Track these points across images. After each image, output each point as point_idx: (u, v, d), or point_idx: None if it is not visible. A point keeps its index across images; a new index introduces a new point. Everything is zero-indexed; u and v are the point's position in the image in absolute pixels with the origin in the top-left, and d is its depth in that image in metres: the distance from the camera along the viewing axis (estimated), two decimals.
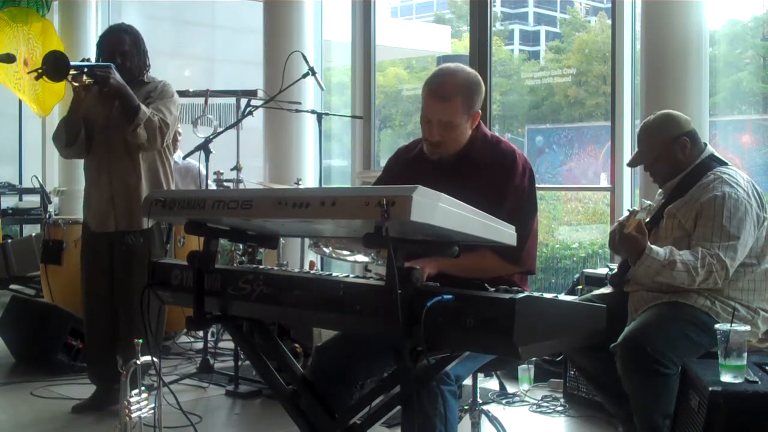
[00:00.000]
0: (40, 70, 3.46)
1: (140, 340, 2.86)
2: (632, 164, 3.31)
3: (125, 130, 3.66)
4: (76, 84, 3.56)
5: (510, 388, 4.23)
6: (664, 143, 3.09)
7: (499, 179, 2.51)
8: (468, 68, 2.59)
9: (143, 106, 3.66)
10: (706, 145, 3.16)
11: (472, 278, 2.25)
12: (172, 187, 4.02)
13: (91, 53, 3.90)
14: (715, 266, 2.81)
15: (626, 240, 2.97)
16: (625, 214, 3.14)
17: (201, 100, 5.00)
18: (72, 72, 3.50)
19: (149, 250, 3.77)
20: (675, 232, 2.98)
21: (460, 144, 2.56)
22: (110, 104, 3.72)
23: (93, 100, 3.74)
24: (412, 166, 2.67)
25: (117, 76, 3.59)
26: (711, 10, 4.31)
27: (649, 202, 3.24)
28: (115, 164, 3.77)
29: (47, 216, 5.74)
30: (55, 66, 3.47)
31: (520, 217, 2.38)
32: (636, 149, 3.27)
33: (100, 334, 3.87)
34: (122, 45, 3.77)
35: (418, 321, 1.76)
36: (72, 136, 3.74)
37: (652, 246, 2.92)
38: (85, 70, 3.55)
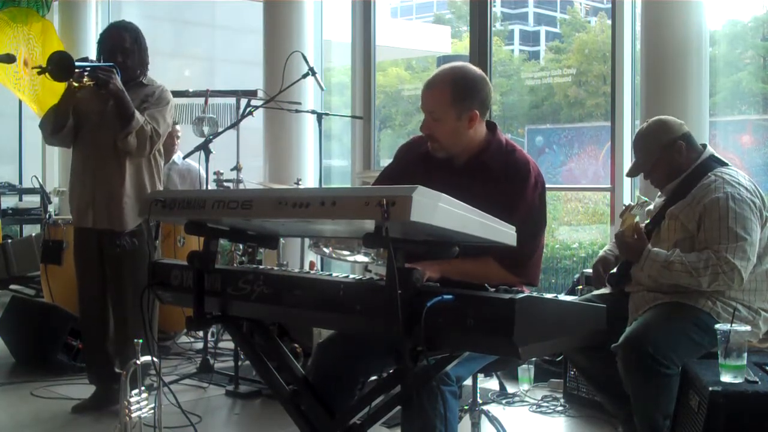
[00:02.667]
0: (43, 67, 3.48)
1: (140, 340, 2.86)
2: (631, 174, 3.30)
3: (116, 135, 3.67)
4: (77, 85, 3.57)
5: (510, 388, 4.23)
6: (660, 149, 3.09)
7: (510, 190, 2.48)
8: (474, 69, 2.55)
9: (138, 114, 3.66)
10: (705, 146, 3.16)
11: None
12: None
13: (91, 53, 3.91)
14: (721, 268, 2.80)
15: (625, 244, 2.99)
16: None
17: (201, 100, 5.00)
18: (75, 71, 3.52)
19: (140, 250, 3.78)
20: (677, 234, 2.98)
21: (454, 143, 2.53)
22: (105, 101, 3.72)
23: (89, 94, 3.74)
24: (423, 163, 2.63)
25: (117, 81, 3.59)
26: (711, 10, 4.31)
27: (645, 198, 3.24)
28: (101, 163, 3.77)
29: (47, 216, 5.74)
30: (59, 66, 3.49)
31: (529, 231, 2.36)
32: (633, 157, 3.27)
33: (95, 334, 3.88)
34: (123, 42, 3.78)
35: (418, 321, 1.76)
36: (58, 125, 3.75)
37: (652, 248, 2.92)
38: (88, 70, 3.57)
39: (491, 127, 2.60)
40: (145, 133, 3.68)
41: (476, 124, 2.52)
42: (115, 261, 3.79)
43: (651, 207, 3.24)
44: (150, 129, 3.69)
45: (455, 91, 2.48)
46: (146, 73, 3.91)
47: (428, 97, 2.52)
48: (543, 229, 2.55)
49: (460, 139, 2.53)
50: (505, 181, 2.50)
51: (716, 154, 3.14)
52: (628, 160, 4.72)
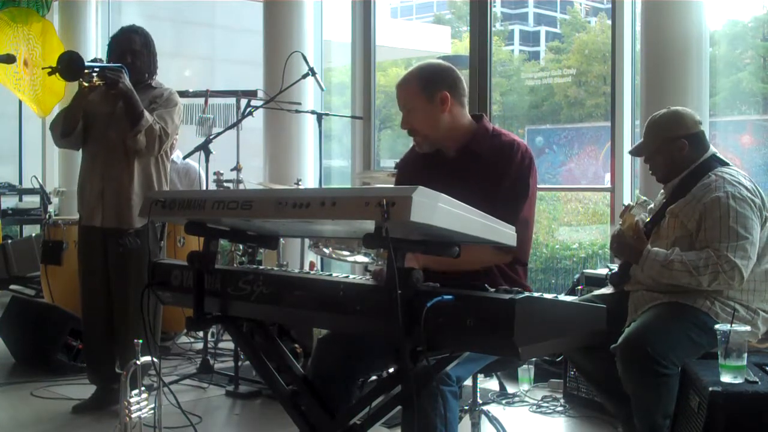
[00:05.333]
0: (54, 67, 3.52)
1: (140, 341, 2.86)
2: (633, 153, 3.31)
3: (126, 134, 3.72)
4: (86, 84, 3.62)
5: (510, 389, 4.23)
6: (663, 141, 3.09)
7: (497, 167, 2.52)
8: (439, 61, 2.67)
9: (147, 113, 3.71)
10: (709, 145, 3.16)
11: (461, 270, 2.23)
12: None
13: (91, 53, 3.96)
14: (722, 267, 2.79)
15: (625, 245, 2.98)
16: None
17: (201, 100, 5.00)
18: (84, 71, 3.58)
19: (144, 249, 3.80)
20: (676, 232, 2.98)
21: (432, 129, 2.57)
22: (114, 103, 3.77)
23: (98, 97, 3.79)
24: (418, 163, 2.69)
25: (126, 80, 3.66)
26: (711, 10, 4.31)
27: (645, 198, 3.24)
28: (110, 162, 3.81)
29: (47, 216, 5.74)
30: (69, 66, 3.54)
31: (513, 202, 2.40)
32: (641, 139, 3.27)
33: (97, 333, 3.89)
34: (133, 44, 3.85)
35: (418, 321, 1.76)
36: (69, 128, 3.81)
37: (651, 248, 2.92)
38: (97, 70, 3.62)
39: (478, 117, 2.65)
40: (154, 132, 3.73)
41: (450, 106, 2.56)
42: (118, 260, 3.81)
43: (652, 205, 3.23)
44: (159, 128, 3.75)
45: (421, 80, 2.56)
46: (155, 77, 3.97)
47: (399, 94, 2.61)
48: (526, 200, 2.51)
49: (437, 124, 2.57)
50: (492, 161, 2.54)
51: (718, 154, 3.13)
52: (628, 161, 4.72)
